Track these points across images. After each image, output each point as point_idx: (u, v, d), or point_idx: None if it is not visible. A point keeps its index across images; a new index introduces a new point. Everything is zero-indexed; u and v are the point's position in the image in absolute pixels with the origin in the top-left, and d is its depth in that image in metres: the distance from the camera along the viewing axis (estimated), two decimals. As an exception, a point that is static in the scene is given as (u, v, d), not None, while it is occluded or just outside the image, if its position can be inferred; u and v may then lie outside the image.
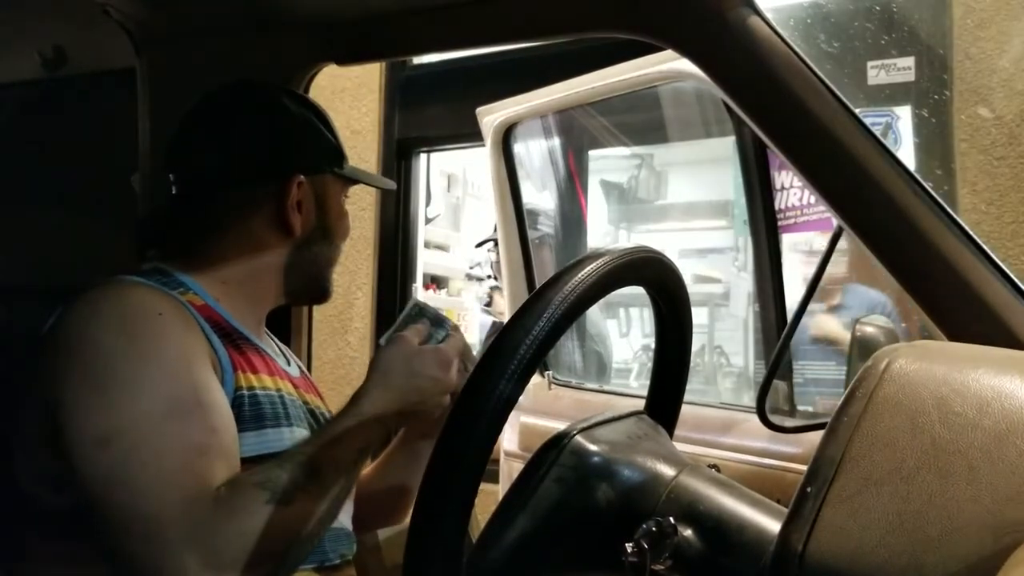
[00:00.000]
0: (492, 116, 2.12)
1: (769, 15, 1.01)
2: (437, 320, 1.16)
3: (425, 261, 3.83)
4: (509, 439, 2.00)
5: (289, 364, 1.25)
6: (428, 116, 3.36)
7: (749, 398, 2.98)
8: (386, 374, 1.07)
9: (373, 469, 1.35)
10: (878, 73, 2.44)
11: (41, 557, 1.04)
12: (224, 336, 1.08)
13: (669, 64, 1.63)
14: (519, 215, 2.21)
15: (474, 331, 4.91)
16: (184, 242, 1.18)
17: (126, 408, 0.96)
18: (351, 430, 1.03)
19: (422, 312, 1.16)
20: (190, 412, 0.97)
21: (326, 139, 1.22)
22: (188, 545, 0.91)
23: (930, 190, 0.95)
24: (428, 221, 4.08)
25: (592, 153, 3.54)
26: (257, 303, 1.20)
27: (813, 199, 2.06)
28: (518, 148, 2.26)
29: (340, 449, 1.02)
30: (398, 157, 3.38)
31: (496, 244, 2.56)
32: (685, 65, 1.37)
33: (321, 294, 1.25)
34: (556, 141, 2.86)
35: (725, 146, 2.68)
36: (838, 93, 0.98)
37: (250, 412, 1.06)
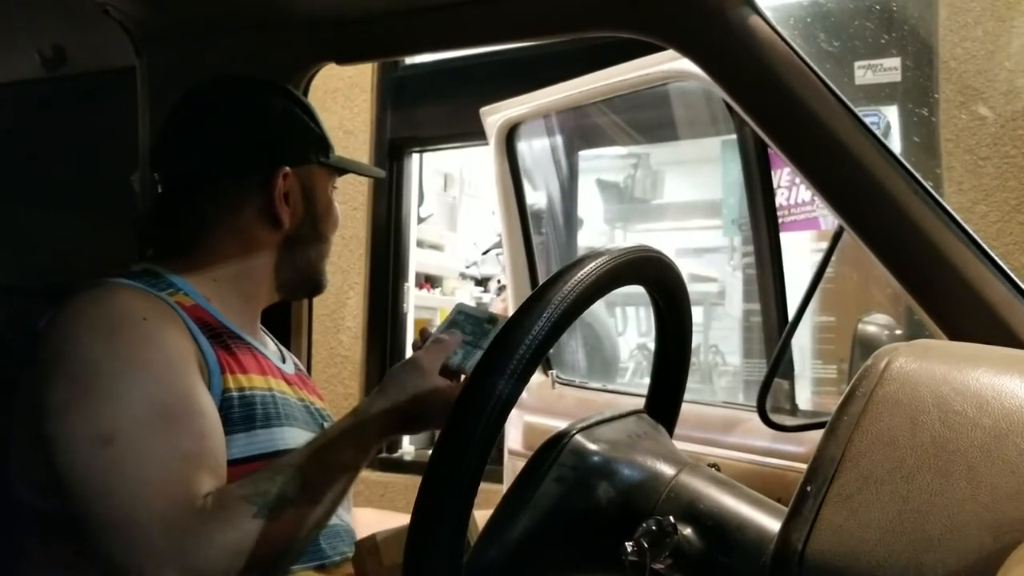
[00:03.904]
0: (496, 116, 2.12)
1: (769, 14, 1.01)
2: (476, 319, 1.14)
3: (419, 260, 3.82)
4: (513, 438, 2.00)
5: (284, 361, 1.24)
6: (420, 116, 3.37)
7: (744, 397, 2.98)
8: (382, 390, 1.06)
9: None
10: (865, 73, 2.46)
11: (33, 560, 1.04)
12: (213, 336, 1.08)
13: (670, 64, 1.63)
14: (523, 215, 2.20)
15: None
16: (174, 241, 1.17)
17: (110, 414, 0.95)
18: (343, 445, 1.02)
19: (461, 314, 1.15)
20: (175, 418, 0.97)
21: (310, 129, 1.21)
22: (170, 554, 0.90)
23: (931, 190, 0.95)
24: (421, 221, 4.08)
25: (587, 152, 3.54)
26: (250, 300, 1.19)
27: (799, 199, 2.07)
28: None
29: (331, 464, 1.01)
30: (390, 157, 3.39)
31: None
32: (686, 64, 1.37)
33: (315, 287, 1.25)
34: (551, 140, 2.86)
35: (716, 146, 2.70)
36: (838, 92, 0.98)
37: (239, 413, 1.05)
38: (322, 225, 1.22)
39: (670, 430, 0.93)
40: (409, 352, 1.15)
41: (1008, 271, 0.94)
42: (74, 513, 0.94)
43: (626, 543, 0.71)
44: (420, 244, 3.98)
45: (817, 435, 0.63)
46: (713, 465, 0.82)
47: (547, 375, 2.09)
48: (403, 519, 1.25)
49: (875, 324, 1.44)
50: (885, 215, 0.96)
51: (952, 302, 0.94)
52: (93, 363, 0.98)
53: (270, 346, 1.24)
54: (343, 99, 3.37)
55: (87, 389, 0.97)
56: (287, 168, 1.17)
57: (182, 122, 1.19)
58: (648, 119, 2.99)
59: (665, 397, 0.95)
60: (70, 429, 0.95)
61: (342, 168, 1.26)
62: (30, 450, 1.00)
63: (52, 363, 1.00)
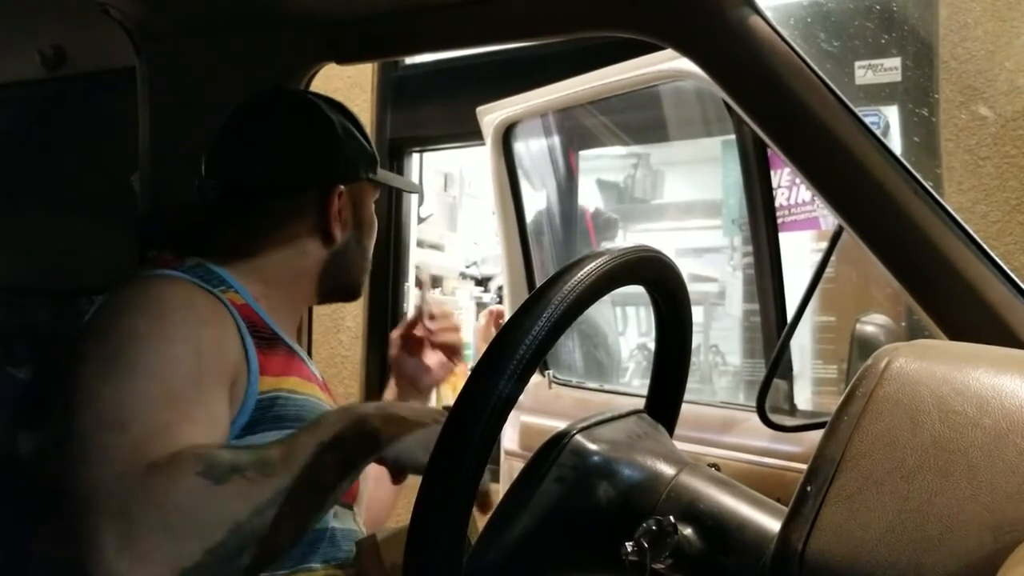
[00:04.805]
0: (492, 115, 2.12)
1: (769, 14, 1.01)
2: None
3: (419, 260, 3.83)
4: (510, 438, 2.00)
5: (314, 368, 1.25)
6: (420, 116, 3.37)
7: (744, 397, 2.98)
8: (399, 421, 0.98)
9: None
10: (865, 73, 2.46)
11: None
12: (260, 339, 1.08)
13: (669, 64, 1.63)
14: (519, 214, 2.21)
15: (468, 332, 4.88)
16: (225, 243, 1.18)
17: (118, 385, 0.93)
18: (327, 435, 0.95)
19: None
20: (175, 400, 0.93)
21: (363, 146, 1.24)
22: (115, 514, 0.83)
23: (931, 190, 0.95)
24: (421, 221, 4.08)
25: (587, 152, 3.54)
26: (294, 305, 1.22)
27: (799, 199, 2.08)
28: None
29: (299, 452, 0.93)
30: (391, 157, 3.39)
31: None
32: (685, 64, 1.37)
33: (352, 295, 1.28)
34: (550, 140, 2.86)
35: (716, 146, 2.70)
36: (838, 92, 0.98)
37: (274, 414, 1.05)
38: (367, 239, 1.26)
39: (670, 430, 0.93)
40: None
41: (1008, 271, 0.94)
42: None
43: (626, 543, 0.71)
44: (420, 244, 3.98)
45: (817, 435, 0.63)
46: (713, 465, 0.82)
47: (543, 375, 2.10)
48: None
49: (873, 324, 1.44)
50: (885, 215, 0.96)
51: (952, 302, 0.94)
52: (119, 337, 0.98)
53: (303, 351, 1.25)
54: (343, 99, 3.34)
55: (107, 361, 0.96)
56: (342, 187, 1.19)
57: (246, 132, 1.21)
58: (649, 119, 2.99)
59: (665, 397, 0.95)
60: (74, 398, 0.94)
61: (387, 183, 1.30)
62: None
63: (84, 341, 1.00)
